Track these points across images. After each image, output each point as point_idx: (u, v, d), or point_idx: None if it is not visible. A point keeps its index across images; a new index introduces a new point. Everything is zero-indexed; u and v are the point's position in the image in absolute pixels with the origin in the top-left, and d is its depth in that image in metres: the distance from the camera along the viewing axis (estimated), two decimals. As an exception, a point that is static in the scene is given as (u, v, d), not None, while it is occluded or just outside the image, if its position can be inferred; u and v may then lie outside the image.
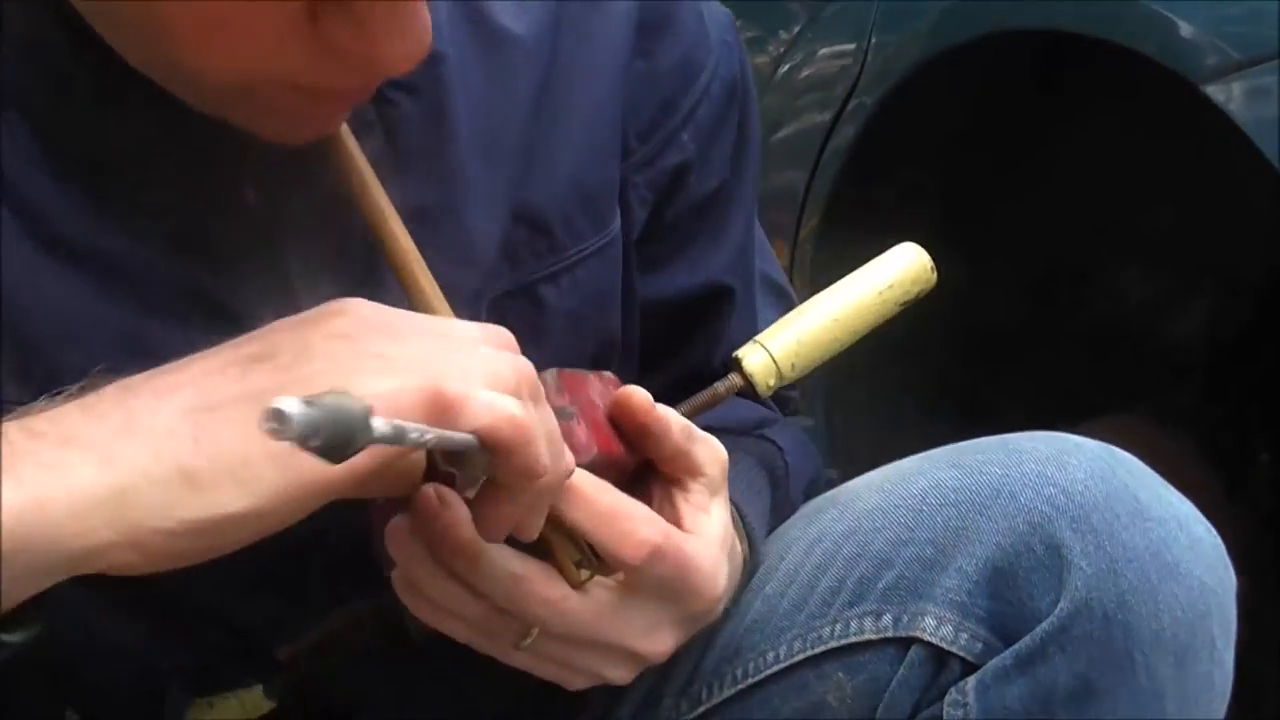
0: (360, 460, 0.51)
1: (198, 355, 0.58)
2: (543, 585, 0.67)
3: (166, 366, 0.58)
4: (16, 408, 0.57)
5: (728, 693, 0.83)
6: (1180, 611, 0.71)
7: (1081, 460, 0.75)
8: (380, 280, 0.70)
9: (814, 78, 1.66)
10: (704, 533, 0.72)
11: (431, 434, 0.53)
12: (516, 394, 0.59)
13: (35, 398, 0.58)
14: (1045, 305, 1.75)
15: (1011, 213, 1.65)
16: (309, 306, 0.65)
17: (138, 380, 0.57)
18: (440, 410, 0.56)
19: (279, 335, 0.59)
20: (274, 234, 0.70)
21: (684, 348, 0.91)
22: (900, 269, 0.84)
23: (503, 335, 0.64)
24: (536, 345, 0.78)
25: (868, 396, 1.66)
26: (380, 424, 0.47)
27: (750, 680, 0.82)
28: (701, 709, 0.84)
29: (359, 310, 0.60)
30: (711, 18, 0.84)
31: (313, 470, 0.53)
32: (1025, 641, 0.73)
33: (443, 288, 0.71)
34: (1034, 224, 1.66)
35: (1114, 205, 1.64)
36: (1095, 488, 0.73)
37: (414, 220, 0.72)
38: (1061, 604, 0.72)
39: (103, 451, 0.54)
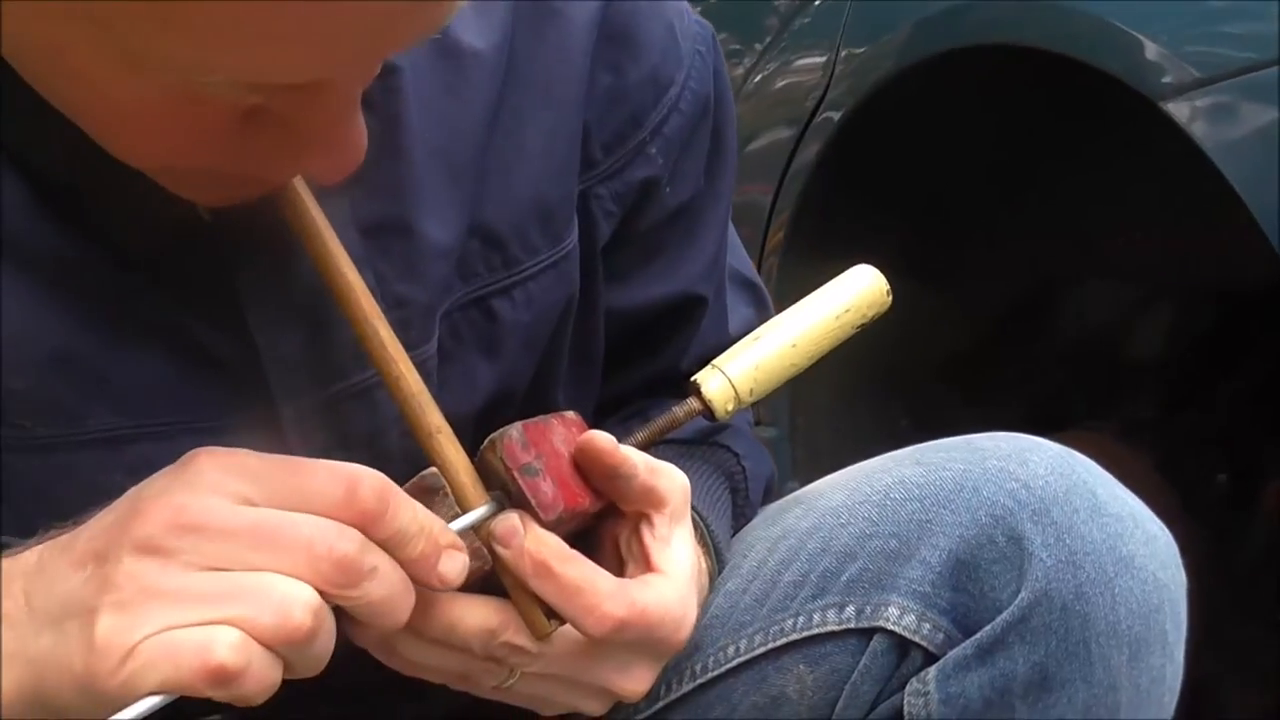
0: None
1: (50, 541, 0.60)
2: (515, 635, 0.69)
3: (22, 554, 0.60)
4: None
5: (686, 688, 0.83)
6: (1135, 604, 0.73)
7: (1042, 458, 0.76)
8: (328, 311, 0.70)
9: (784, 90, 1.67)
10: (672, 570, 0.73)
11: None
12: (310, 634, 0.58)
13: None
14: (1010, 322, 1.76)
15: (979, 229, 1.67)
16: (256, 329, 0.69)
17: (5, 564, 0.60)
18: (213, 681, 0.56)
19: (110, 534, 0.59)
20: (224, 256, 0.69)
21: (656, 353, 0.91)
22: (857, 293, 0.84)
23: (365, 488, 0.61)
24: (490, 358, 0.79)
25: (831, 410, 1.66)
26: None
27: (710, 675, 0.83)
28: (660, 704, 0.84)
29: (191, 496, 0.59)
30: (684, 29, 0.83)
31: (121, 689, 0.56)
32: (986, 631, 0.74)
33: (394, 301, 0.72)
34: (1003, 241, 1.67)
35: (1082, 224, 1.65)
36: (1055, 483, 0.75)
37: (366, 234, 0.72)
38: (1022, 594, 0.73)
39: None
